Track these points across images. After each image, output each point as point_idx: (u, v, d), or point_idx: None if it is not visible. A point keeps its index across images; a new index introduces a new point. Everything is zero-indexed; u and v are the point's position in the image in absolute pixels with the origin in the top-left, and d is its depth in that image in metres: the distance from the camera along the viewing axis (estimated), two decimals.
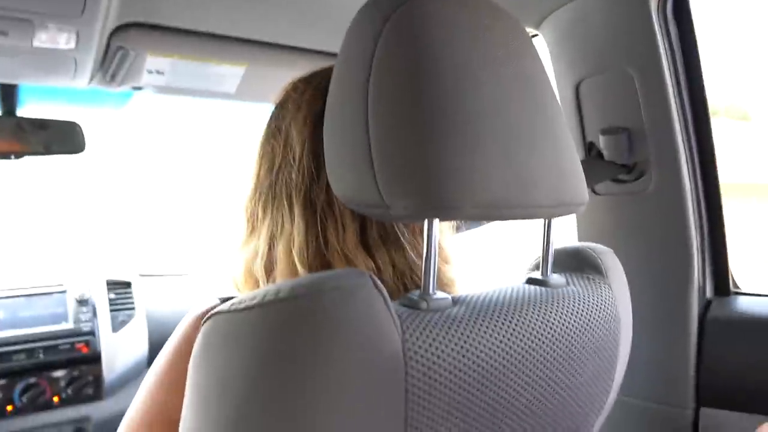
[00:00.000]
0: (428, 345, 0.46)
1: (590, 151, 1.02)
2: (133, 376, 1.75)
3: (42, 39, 1.04)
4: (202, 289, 1.96)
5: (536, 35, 1.05)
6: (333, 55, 1.29)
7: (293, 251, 0.64)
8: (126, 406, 1.79)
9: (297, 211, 0.65)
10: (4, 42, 1.03)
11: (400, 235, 0.67)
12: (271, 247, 0.67)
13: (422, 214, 0.49)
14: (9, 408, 1.55)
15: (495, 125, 0.51)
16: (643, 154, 0.95)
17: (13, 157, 1.37)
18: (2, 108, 1.38)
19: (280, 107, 0.71)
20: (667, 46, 0.89)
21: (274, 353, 0.43)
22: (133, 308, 1.79)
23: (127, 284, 1.83)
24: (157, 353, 1.82)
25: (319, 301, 0.43)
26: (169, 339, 0.67)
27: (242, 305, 0.46)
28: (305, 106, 0.67)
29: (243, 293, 0.72)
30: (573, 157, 0.59)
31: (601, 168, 0.97)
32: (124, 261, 1.97)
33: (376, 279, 0.46)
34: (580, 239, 1.11)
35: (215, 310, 0.48)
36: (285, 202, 0.66)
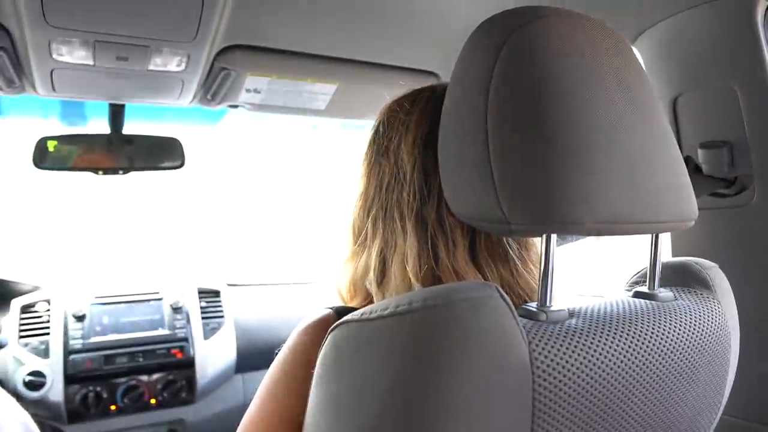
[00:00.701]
0: (553, 355, 0.47)
1: (688, 166, 1.01)
2: (222, 382, 1.83)
3: (156, 62, 1.12)
4: (286, 298, 2.02)
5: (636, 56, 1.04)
6: (420, 71, 1.33)
7: (407, 267, 0.67)
8: (216, 410, 1.88)
9: (409, 228, 0.68)
10: (124, 66, 1.12)
11: (508, 249, 0.69)
12: (383, 262, 0.70)
13: (543, 230, 0.51)
14: (113, 407, 1.66)
15: (611, 142, 0.52)
16: (745, 168, 0.93)
17: (121, 172, 1.47)
18: (110, 126, 1.49)
19: (386, 127, 0.74)
20: None
21: (409, 361, 0.45)
22: (222, 316, 1.87)
23: (217, 293, 1.92)
24: (245, 360, 1.88)
25: (452, 311, 0.45)
26: (284, 347, 0.69)
27: (374, 315, 0.48)
28: (414, 128, 0.70)
29: (350, 304, 0.76)
30: (683, 171, 0.59)
31: (701, 182, 0.96)
32: (214, 271, 2.05)
33: (501, 290, 0.48)
34: (674, 254, 1.08)
35: (345, 319, 0.51)
36: (397, 220, 0.69)
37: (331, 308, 0.70)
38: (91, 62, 1.10)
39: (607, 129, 0.52)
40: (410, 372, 0.45)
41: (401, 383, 0.45)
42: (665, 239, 1.03)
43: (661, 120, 0.57)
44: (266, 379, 0.69)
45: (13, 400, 1.14)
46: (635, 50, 1.06)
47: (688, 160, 1.01)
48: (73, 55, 1.07)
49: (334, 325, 0.51)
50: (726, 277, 0.68)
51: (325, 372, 0.51)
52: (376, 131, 0.76)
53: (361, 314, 0.49)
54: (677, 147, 0.59)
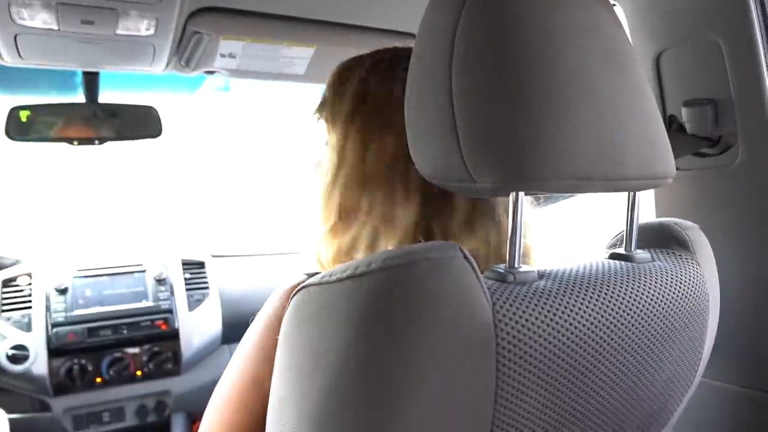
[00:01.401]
0: (518, 317, 0.46)
1: (671, 125, 0.98)
2: (208, 353, 1.83)
3: (124, 26, 1.08)
4: (271, 268, 2.01)
5: (614, 5, 1.01)
6: (401, 33, 1.29)
7: (399, 235, 0.65)
8: (202, 381, 1.89)
9: (414, 204, 0.66)
10: (90, 31, 1.08)
11: (501, 213, 0.67)
12: (375, 237, 0.68)
13: (509, 187, 0.49)
14: (98, 380, 1.66)
15: (581, 96, 0.50)
16: (730, 127, 0.90)
17: (97, 142, 1.44)
18: (85, 95, 1.45)
19: (376, 96, 0.69)
20: (758, 10, 0.84)
21: (368, 324, 0.44)
22: (207, 287, 1.86)
23: (201, 264, 1.90)
24: (231, 330, 1.88)
25: (411, 271, 0.44)
26: (259, 313, 0.68)
27: (333, 277, 0.47)
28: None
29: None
30: (660, 128, 0.57)
31: (684, 142, 0.93)
32: (198, 242, 2.04)
33: (465, 251, 0.46)
34: (658, 216, 1.07)
35: (306, 282, 0.49)
36: (401, 196, 0.66)
37: (307, 273, 0.68)
38: (55, 26, 1.06)
39: (578, 83, 0.50)
40: (368, 335, 0.44)
41: (359, 347, 0.44)
42: (646, 200, 1.02)
43: (637, 76, 0.55)
44: (240, 345, 0.68)
45: None
46: (617, 7, 1.02)
47: (672, 119, 0.99)
48: (35, 18, 1.03)
49: (296, 288, 0.50)
50: (710, 238, 0.67)
51: (286, 336, 0.50)
52: (367, 89, 0.70)
53: (321, 277, 0.48)
54: (654, 103, 0.57)
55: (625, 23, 1.01)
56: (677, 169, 0.98)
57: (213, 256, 1.96)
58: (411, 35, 1.30)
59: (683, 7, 0.91)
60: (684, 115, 0.95)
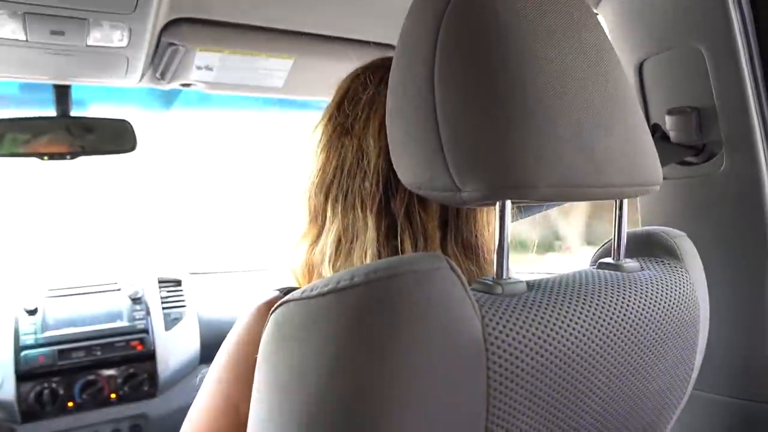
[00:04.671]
0: (509, 330, 0.44)
1: (654, 133, 0.98)
2: (186, 374, 1.78)
3: (96, 37, 1.05)
4: (250, 285, 1.97)
5: (596, 14, 1.01)
6: (381, 45, 1.28)
7: (367, 257, 0.64)
8: (180, 403, 1.83)
9: (371, 220, 0.65)
10: (60, 41, 1.05)
11: (479, 236, 0.66)
12: (339, 249, 0.67)
13: (494, 196, 0.48)
14: (70, 404, 1.60)
15: (565, 103, 0.49)
16: (714, 135, 0.90)
17: (68, 157, 1.40)
18: (56, 110, 1.41)
19: (350, 103, 0.69)
20: (739, 18, 0.84)
21: (351, 340, 0.42)
22: (184, 306, 1.81)
23: (178, 282, 1.86)
24: (209, 350, 1.85)
25: (395, 284, 0.42)
26: (231, 332, 0.66)
27: (315, 292, 0.44)
28: (381, 108, 0.65)
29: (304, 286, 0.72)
30: (645, 135, 0.57)
31: (668, 150, 0.93)
32: (175, 259, 2.00)
33: (452, 263, 0.45)
34: (644, 224, 1.06)
35: (286, 298, 0.47)
36: (359, 208, 0.66)
37: (279, 290, 0.67)
38: (23, 37, 1.03)
39: (562, 91, 0.49)
40: (352, 352, 0.42)
41: (342, 364, 0.42)
42: (632, 209, 1.01)
43: (622, 84, 0.55)
44: (213, 365, 0.66)
45: None
46: (599, 15, 1.02)
47: (656, 128, 0.98)
48: (2, 29, 0.99)
49: (276, 304, 0.48)
50: (696, 246, 0.66)
51: (266, 354, 0.48)
52: (338, 105, 0.71)
53: (302, 292, 0.46)
54: (639, 111, 0.57)
55: (607, 31, 1.01)
56: (662, 177, 0.98)
57: (191, 273, 1.92)
58: (390, 46, 1.29)
59: (665, 15, 0.91)
60: (668, 123, 0.94)
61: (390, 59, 0.70)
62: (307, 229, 0.72)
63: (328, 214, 0.69)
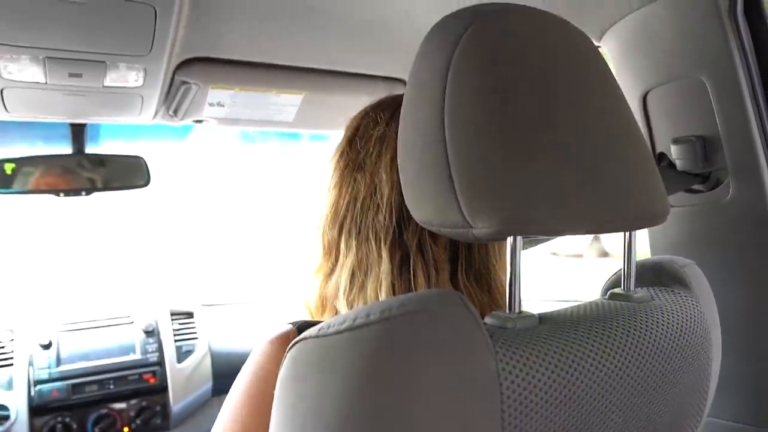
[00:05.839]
0: (522, 364, 0.45)
1: (660, 162, 0.99)
2: (198, 406, 1.77)
3: (112, 78, 1.08)
4: (262, 317, 1.97)
5: (598, 47, 1.03)
6: (389, 79, 1.30)
7: (381, 290, 0.65)
8: None
9: (384, 252, 0.66)
10: (78, 83, 1.08)
11: (490, 269, 0.67)
12: (353, 282, 0.68)
13: (506, 232, 0.48)
14: None
15: (573, 139, 0.50)
16: (719, 163, 0.91)
17: (84, 193, 1.42)
18: (72, 147, 1.44)
19: (361, 140, 0.71)
20: (740, 48, 0.85)
21: (368, 377, 0.42)
22: (196, 338, 1.82)
23: (190, 314, 1.87)
24: (221, 382, 1.84)
25: (411, 322, 0.43)
26: (245, 366, 0.67)
27: (332, 329, 0.45)
28: (393, 143, 0.66)
29: (318, 318, 0.73)
30: (652, 167, 0.57)
31: (675, 178, 0.94)
32: (187, 292, 2.00)
33: (465, 299, 0.45)
34: (653, 254, 1.07)
35: (303, 335, 0.47)
36: (372, 242, 0.67)
37: (292, 323, 0.67)
38: (43, 80, 1.06)
39: (571, 126, 0.50)
40: (368, 389, 0.42)
41: (359, 401, 0.42)
42: (640, 239, 1.01)
43: (627, 117, 0.56)
44: (228, 399, 0.66)
45: None
46: (603, 48, 1.04)
47: (662, 157, 0.99)
48: (23, 72, 1.03)
49: (293, 342, 0.48)
50: (705, 274, 0.66)
51: (284, 391, 0.48)
52: (350, 141, 0.72)
53: (319, 329, 0.46)
54: (645, 144, 0.57)
55: (610, 63, 1.03)
56: (670, 206, 0.99)
57: (203, 305, 1.92)
58: (399, 81, 1.31)
59: (667, 48, 0.93)
60: (673, 152, 0.95)
61: (400, 96, 0.72)
62: (321, 263, 0.73)
63: (342, 247, 0.70)
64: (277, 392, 0.49)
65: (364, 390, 0.42)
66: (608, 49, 1.03)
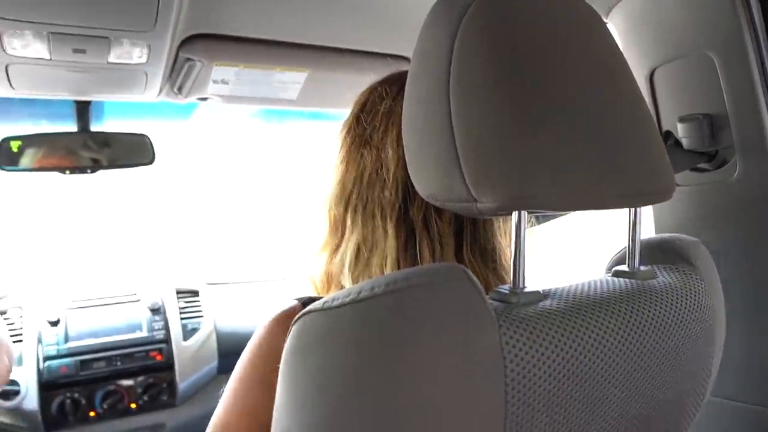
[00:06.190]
0: (525, 338, 0.45)
1: (667, 140, 0.98)
2: (204, 383, 1.79)
3: (117, 55, 1.08)
4: (267, 295, 1.99)
5: (606, 23, 1.02)
6: (393, 56, 1.29)
7: (387, 265, 0.65)
8: (198, 413, 1.84)
9: (390, 228, 0.66)
10: (82, 59, 1.08)
11: (496, 245, 0.67)
12: (358, 258, 0.68)
13: (511, 206, 0.48)
14: (92, 414, 1.62)
15: (579, 113, 0.50)
16: (726, 141, 0.90)
17: (89, 171, 1.43)
18: (77, 125, 1.44)
19: (369, 113, 0.71)
20: (749, 24, 0.84)
21: (372, 349, 0.43)
22: (201, 316, 1.83)
23: (195, 293, 1.88)
24: (226, 360, 1.85)
25: (415, 295, 0.43)
26: (250, 342, 0.67)
27: (336, 302, 0.45)
28: (399, 119, 0.66)
29: (323, 294, 0.73)
30: (658, 143, 0.57)
31: (681, 157, 0.93)
32: (192, 270, 2.02)
33: (469, 272, 0.45)
34: (658, 232, 1.06)
35: (307, 309, 0.48)
36: (378, 217, 0.67)
37: (297, 299, 0.68)
38: (47, 56, 1.06)
39: (576, 101, 0.50)
40: (373, 361, 0.43)
41: (364, 374, 0.43)
42: (646, 216, 1.01)
43: (634, 94, 0.55)
44: (233, 377, 0.67)
45: None
46: (610, 24, 1.03)
47: (668, 135, 0.99)
48: (27, 48, 1.02)
49: (297, 315, 0.49)
50: (710, 253, 0.66)
51: (288, 365, 0.48)
52: (357, 117, 0.72)
53: (324, 303, 0.47)
54: (653, 120, 0.57)
55: (618, 40, 1.02)
56: (676, 184, 0.99)
57: (208, 283, 1.94)
58: (403, 58, 1.30)
59: (675, 24, 0.91)
60: (680, 130, 0.95)
61: (407, 72, 0.72)
62: (326, 240, 0.73)
63: (348, 223, 0.70)
64: (282, 366, 0.49)
65: (366, 361, 0.43)
66: (615, 26, 1.01)
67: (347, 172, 0.71)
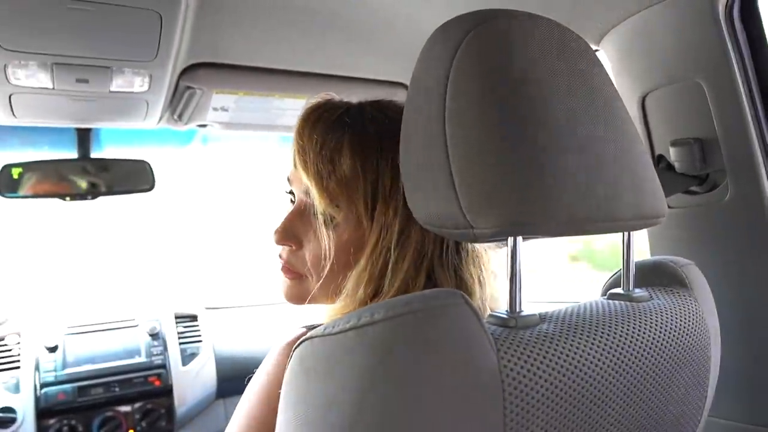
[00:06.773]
0: (523, 362, 0.46)
1: (659, 164, 1.00)
2: (203, 408, 1.78)
3: (118, 84, 1.10)
4: (265, 319, 1.98)
5: (596, 51, 1.04)
6: (389, 83, 1.32)
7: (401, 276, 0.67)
8: None
9: (422, 273, 0.68)
10: (85, 89, 1.10)
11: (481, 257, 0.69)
12: (380, 279, 0.69)
13: (507, 232, 0.49)
14: None
15: (572, 140, 0.51)
16: (717, 164, 0.92)
17: (89, 197, 1.44)
18: (77, 151, 1.46)
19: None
20: (736, 51, 0.86)
21: (372, 375, 0.43)
22: (200, 341, 1.82)
23: (194, 317, 1.87)
24: (225, 385, 1.83)
25: (414, 321, 0.44)
26: (258, 370, 0.67)
27: (336, 329, 0.46)
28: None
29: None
30: (649, 169, 0.58)
31: (673, 180, 0.95)
32: (191, 295, 2.01)
33: (467, 298, 0.46)
34: (652, 254, 1.08)
35: (308, 334, 0.48)
36: (412, 267, 0.68)
37: (305, 327, 0.68)
38: (50, 85, 1.07)
39: (569, 129, 0.51)
40: (373, 388, 0.43)
41: (364, 399, 0.43)
42: (639, 239, 1.02)
43: (624, 120, 0.57)
44: (242, 403, 0.67)
45: None
46: (601, 52, 1.05)
47: (660, 159, 1.00)
48: (31, 78, 1.04)
49: (299, 341, 0.49)
50: (704, 274, 0.67)
51: (289, 391, 0.49)
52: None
53: (324, 329, 0.47)
54: (642, 145, 0.59)
55: (609, 66, 1.04)
56: (669, 207, 1.00)
57: (207, 308, 1.93)
58: (401, 85, 1.33)
59: (665, 51, 0.94)
60: (672, 154, 0.96)
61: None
62: (351, 295, 0.73)
63: (386, 281, 0.71)
64: (282, 392, 0.50)
65: (368, 388, 0.43)
66: (607, 53, 1.04)
67: (374, 227, 0.73)
